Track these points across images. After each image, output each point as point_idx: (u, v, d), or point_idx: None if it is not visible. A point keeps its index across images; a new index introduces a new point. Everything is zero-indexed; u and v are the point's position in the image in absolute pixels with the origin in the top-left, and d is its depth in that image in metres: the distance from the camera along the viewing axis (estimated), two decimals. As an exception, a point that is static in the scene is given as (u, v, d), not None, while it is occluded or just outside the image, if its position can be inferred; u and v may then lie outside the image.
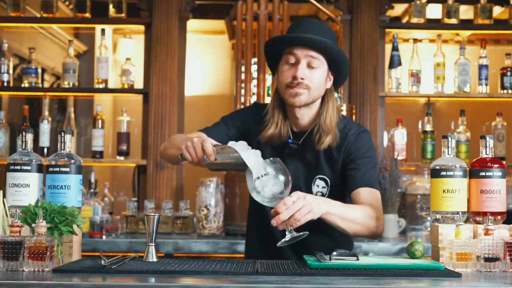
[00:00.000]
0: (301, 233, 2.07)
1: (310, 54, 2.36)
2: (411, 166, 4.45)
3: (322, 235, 2.41)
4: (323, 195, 2.44)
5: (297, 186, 2.41)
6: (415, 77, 4.46)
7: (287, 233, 2.07)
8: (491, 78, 4.50)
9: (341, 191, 2.45)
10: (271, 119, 2.47)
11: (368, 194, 2.37)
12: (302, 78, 2.35)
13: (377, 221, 2.33)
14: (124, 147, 4.44)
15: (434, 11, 4.91)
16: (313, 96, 2.40)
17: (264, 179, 2.06)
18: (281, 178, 2.07)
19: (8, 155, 4.29)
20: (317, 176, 2.46)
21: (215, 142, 2.20)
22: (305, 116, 2.46)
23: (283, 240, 2.08)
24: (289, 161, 2.44)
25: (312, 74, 2.37)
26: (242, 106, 4.22)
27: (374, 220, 2.31)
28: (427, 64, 4.60)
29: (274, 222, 2.06)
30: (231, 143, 2.13)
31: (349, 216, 2.25)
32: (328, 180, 2.45)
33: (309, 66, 2.36)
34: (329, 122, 2.42)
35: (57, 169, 2.16)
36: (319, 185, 2.45)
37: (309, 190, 2.44)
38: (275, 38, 2.47)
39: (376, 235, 2.37)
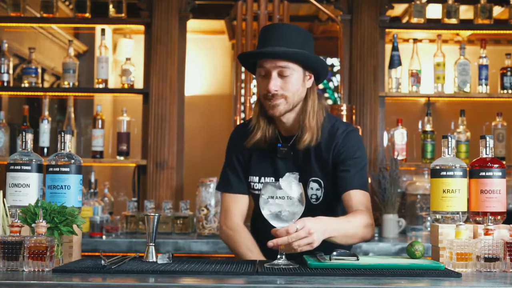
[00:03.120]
0: (291, 265, 2.03)
1: (279, 64, 2.35)
2: (411, 166, 4.44)
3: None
4: (317, 198, 2.46)
5: None
6: (415, 77, 4.46)
7: (278, 256, 2.05)
8: (491, 78, 4.49)
9: (334, 193, 2.47)
10: (256, 125, 2.49)
11: (359, 197, 2.38)
12: (276, 90, 2.35)
13: (371, 227, 2.36)
14: (124, 147, 4.44)
15: (434, 11, 4.91)
16: (292, 102, 2.40)
17: (285, 201, 2.03)
18: (297, 202, 2.04)
19: (8, 155, 4.29)
20: (310, 179, 2.46)
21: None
22: (290, 119, 2.47)
23: (271, 262, 2.06)
24: (282, 166, 2.47)
25: (286, 82, 2.36)
26: (242, 106, 4.22)
27: (369, 227, 2.34)
28: (427, 64, 4.60)
29: (270, 243, 2.04)
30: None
31: (348, 233, 2.27)
32: (322, 182, 2.46)
33: (281, 75, 2.36)
34: (307, 121, 2.42)
35: (57, 169, 2.16)
36: (313, 187, 2.46)
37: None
38: (243, 54, 2.47)
39: (368, 240, 2.41)
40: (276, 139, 2.51)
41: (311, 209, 2.37)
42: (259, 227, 2.57)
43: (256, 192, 2.51)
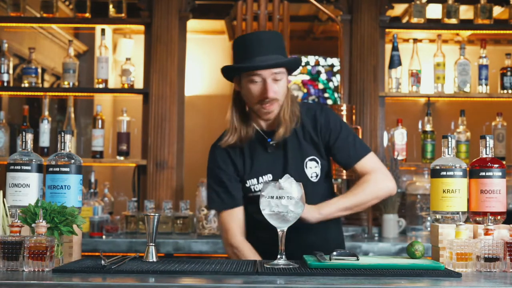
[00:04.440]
0: (291, 265, 2.03)
1: (274, 71, 2.48)
2: (411, 166, 4.45)
3: (316, 234, 2.47)
4: (317, 175, 2.57)
5: (291, 175, 2.45)
6: (415, 77, 4.46)
7: (278, 256, 2.04)
8: (491, 78, 4.50)
9: (329, 169, 2.63)
10: (231, 128, 2.59)
11: (367, 162, 2.55)
12: (273, 96, 2.48)
13: (383, 184, 2.53)
14: (124, 147, 4.44)
15: (434, 11, 4.91)
16: (281, 102, 2.54)
17: (287, 201, 2.02)
18: (300, 203, 2.05)
19: (8, 155, 4.29)
20: (307, 159, 2.57)
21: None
22: (273, 116, 2.57)
23: (271, 262, 2.05)
24: (275, 158, 2.57)
25: (279, 86, 2.50)
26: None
27: (380, 187, 2.52)
28: (427, 64, 4.60)
29: None
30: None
31: (348, 206, 2.51)
32: (318, 159, 2.57)
33: (274, 80, 2.48)
34: (282, 114, 2.54)
35: (57, 169, 2.16)
36: (311, 166, 2.57)
37: (302, 175, 2.53)
38: (235, 68, 2.53)
39: (391, 194, 2.59)
40: (260, 136, 2.59)
41: (312, 187, 2.48)
42: (255, 226, 2.58)
43: (257, 194, 2.52)
